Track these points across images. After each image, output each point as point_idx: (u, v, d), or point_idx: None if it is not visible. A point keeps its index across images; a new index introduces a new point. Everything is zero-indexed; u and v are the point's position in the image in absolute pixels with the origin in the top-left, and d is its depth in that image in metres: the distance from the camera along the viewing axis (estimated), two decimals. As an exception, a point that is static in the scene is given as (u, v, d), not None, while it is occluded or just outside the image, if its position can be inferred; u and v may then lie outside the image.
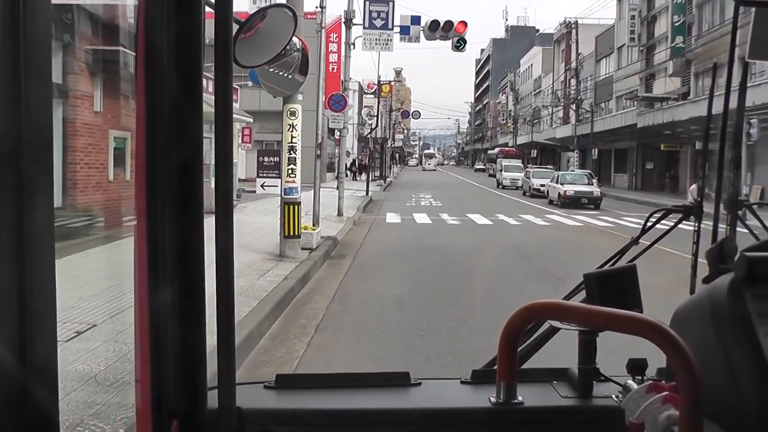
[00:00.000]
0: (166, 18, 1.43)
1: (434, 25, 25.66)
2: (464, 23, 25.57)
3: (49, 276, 1.19)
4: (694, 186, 29.33)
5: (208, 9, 1.52)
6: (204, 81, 1.56)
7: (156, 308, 1.49)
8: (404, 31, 26.93)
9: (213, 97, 1.38)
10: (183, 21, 1.45)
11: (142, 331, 1.49)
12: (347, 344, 9.35)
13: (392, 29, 27.05)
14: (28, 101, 1.13)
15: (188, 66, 1.47)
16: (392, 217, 29.15)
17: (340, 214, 26.54)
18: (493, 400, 2.00)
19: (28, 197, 1.14)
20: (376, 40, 27.15)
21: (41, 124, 1.16)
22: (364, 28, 27.07)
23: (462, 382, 2.21)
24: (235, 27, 2.12)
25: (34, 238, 1.15)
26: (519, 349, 2.02)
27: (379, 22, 26.82)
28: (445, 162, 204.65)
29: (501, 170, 64.00)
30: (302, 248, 16.23)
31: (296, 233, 15.94)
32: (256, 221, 22.07)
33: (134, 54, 1.45)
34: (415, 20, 26.85)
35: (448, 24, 25.57)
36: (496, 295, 12.09)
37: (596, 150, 61.23)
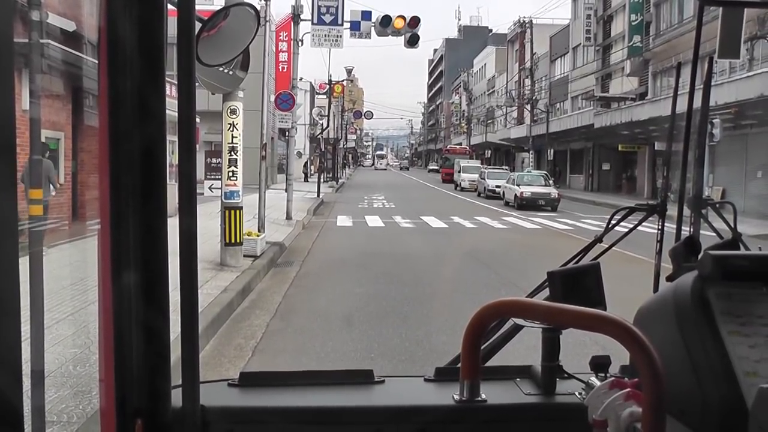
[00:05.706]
0: (129, 10, 1.47)
1: (386, 20, 24.93)
2: (417, 18, 24.84)
3: (13, 271, 1.17)
4: None
5: (170, 7, 1.55)
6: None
7: (119, 305, 1.51)
8: (354, 26, 26.04)
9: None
10: (146, 14, 1.49)
11: (106, 330, 1.52)
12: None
13: (342, 25, 26.15)
14: None
15: (151, 56, 1.51)
16: (343, 220, 28.48)
17: (288, 217, 25.70)
18: (456, 397, 1.98)
19: None
20: (325, 36, 26.28)
21: (3, 123, 1.15)
22: (313, 23, 26.19)
23: (425, 380, 2.19)
24: (198, 25, 2.09)
25: None
26: (482, 347, 2.07)
27: (328, 18, 25.91)
28: (407, 165, 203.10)
29: (459, 171, 62.52)
30: (245, 255, 15.36)
31: (238, 240, 14.87)
32: (199, 225, 21.02)
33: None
34: (366, 15, 26.03)
35: (400, 19, 24.72)
36: (454, 311, 11.08)
37: (551, 150, 61.22)
